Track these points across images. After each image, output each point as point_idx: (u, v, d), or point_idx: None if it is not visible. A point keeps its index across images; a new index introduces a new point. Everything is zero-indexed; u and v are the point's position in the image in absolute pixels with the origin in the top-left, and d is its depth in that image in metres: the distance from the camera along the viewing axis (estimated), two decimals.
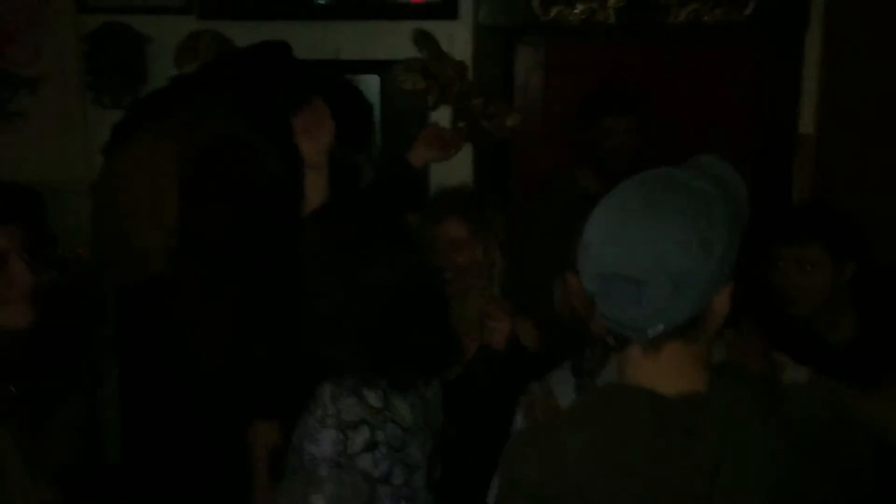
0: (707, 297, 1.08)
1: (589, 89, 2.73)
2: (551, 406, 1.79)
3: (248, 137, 2.20)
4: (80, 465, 2.65)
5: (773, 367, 1.83)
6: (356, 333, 1.48)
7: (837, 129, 2.94)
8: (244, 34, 2.85)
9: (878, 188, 2.61)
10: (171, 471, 2.46)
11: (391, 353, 1.50)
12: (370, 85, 3.00)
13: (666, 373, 1.12)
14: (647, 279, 1.06)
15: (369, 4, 3.03)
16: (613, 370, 1.22)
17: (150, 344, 2.33)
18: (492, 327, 1.92)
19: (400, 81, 2.96)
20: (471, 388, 1.90)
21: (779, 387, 1.17)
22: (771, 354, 1.87)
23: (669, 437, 1.07)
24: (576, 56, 3.11)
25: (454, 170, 3.06)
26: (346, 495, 1.43)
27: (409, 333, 1.51)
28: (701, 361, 1.13)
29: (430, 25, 2.97)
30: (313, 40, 2.88)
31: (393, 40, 2.98)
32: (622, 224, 1.09)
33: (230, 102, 2.20)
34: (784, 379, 1.80)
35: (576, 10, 2.91)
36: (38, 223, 2.95)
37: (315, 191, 1.99)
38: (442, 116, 3.02)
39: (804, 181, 3.07)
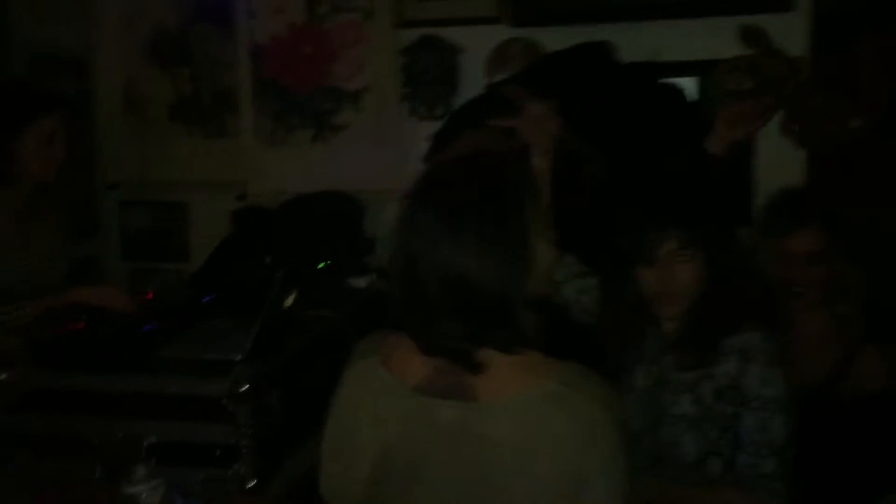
0: None
1: None
2: None
3: (568, 141, 2.11)
4: None
5: None
6: None
7: None
8: (558, 40, 2.79)
9: None
10: None
11: None
12: (687, 88, 2.79)
13: None
14: None
15: (689, 1, 2.83)
16: None
17: None
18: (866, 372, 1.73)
19: (723, 82, 2.73)
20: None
21: None
22: None
23: None
24: None
25: (782, 177, 2.77)
26: None
27: None
28: None
29: (760, 20, 2.71)
30: (628, 42, 2.72)
31: (715, 38, 2.76)
32: None
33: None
34: None
35: None
36: (360, 231, 3.09)
37: (539, 175, 1.87)
38: (772, 120, 2.74)
39: None
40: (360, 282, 2.57)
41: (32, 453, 1.86)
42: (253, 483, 1.76)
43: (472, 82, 2.99)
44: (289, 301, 2.02)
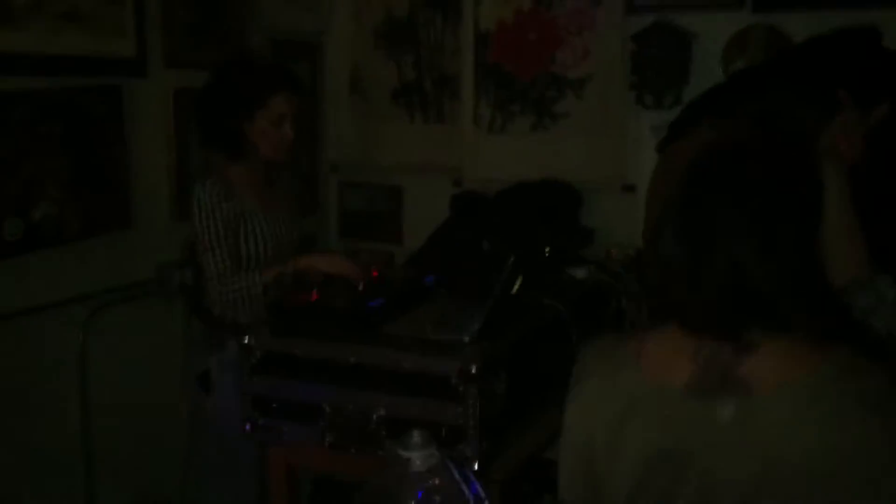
0: None
1: None
2: None
3: (818, 133, 1.94)
4: None
5: None
6: None
7: None
8: (803, 26, 2.60)
9: None
10: None
11: None
12: None
13: None
14: None
15: None
16: None
17: None
18: None
19: None
20: None
21: None
22: None
23: None
24: None
25: None
26: None
27: None
28: None
29: None
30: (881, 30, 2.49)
31: None
32: None
33: (806, 96, 1.95)
34: None
35: None
36: (577, 221, 3.04)
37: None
38: None
39: None
40: (580, 272, 2.51)
41: (270, 415, 1.96)
42: (476, 465, 1.76)
43: (706, 71, 2.86)
44: (516, 286, 2.01)
